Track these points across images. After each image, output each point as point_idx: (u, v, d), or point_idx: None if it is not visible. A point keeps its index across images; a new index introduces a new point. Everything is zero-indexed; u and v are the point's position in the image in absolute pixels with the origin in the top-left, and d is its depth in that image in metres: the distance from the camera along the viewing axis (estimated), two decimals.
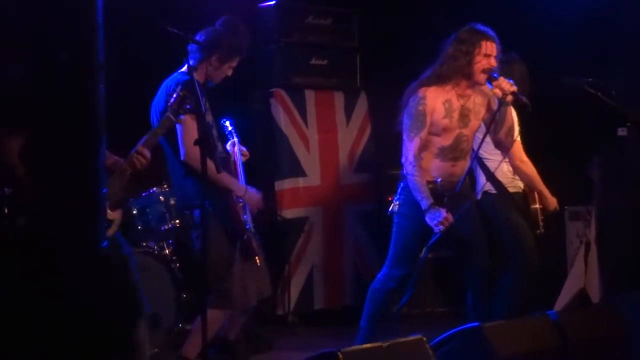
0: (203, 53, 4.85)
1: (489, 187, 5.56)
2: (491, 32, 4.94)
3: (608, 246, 5.33)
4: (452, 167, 5.00)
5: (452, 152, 4.98)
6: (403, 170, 5.02)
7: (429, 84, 4.96)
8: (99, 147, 2.96)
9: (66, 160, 2.88)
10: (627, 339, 4.06)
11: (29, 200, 2.89)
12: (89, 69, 2.88)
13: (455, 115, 4.95)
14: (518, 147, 5.46)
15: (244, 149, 5.21)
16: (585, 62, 6.27)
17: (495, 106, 4.99)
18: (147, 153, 4.32)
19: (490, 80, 4.87)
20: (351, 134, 7.07)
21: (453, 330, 3.76)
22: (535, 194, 5.56)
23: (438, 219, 4.79)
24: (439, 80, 4.96)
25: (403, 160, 4.98)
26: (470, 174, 5.74)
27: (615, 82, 5.66)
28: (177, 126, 4.65)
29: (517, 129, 5.48)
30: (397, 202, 5.09)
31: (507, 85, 4.81)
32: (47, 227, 2.88)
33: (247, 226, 4.88)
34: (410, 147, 4.93)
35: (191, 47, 4.84)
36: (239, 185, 4.90)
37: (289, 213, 6.71)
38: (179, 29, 4.43)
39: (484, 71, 4.89)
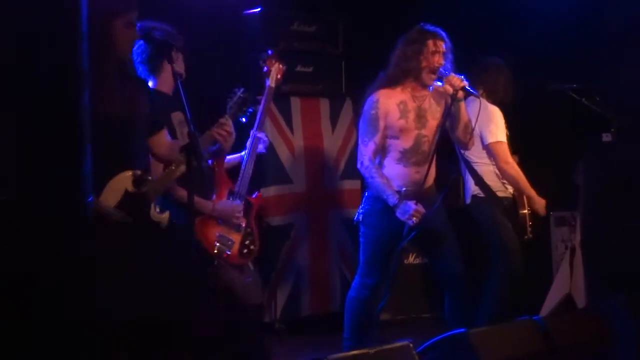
0: (154, 64, 4.67)
1: (477, 191, 5.57)
2: (439, 31, 4.95)
3: (593, 251, 5.35)
4: (416, 174, 4.96)
5: (414, 155, 4.95)
6: (364, 177, 5.00)
7: (382, 86, 4.97)
8: (83, 155, 2.95)
9: (49, 168, 2.87)
10: (613, 344, 4.07)
11: (10, 208, 2.88)
12: (73, 76, 2.87)
13: (411, 115, 4.93)
14: (503, 149, 5.47)
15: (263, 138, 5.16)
16: (570, 66, 6.29)
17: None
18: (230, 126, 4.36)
19: (440, 77, 4.85)
20: (337, 140, 7.08)
21: (439, 337, 3.77)
22: (524, 198, 5.57)
23: (409, 211, 4.77)
24: (392, 82, 4.96)
25: (359, 165, 4.96)
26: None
27: (599, 87, 5.69)
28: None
29: (503, 130, 5.51)
30: (362, 212, 5.07)
31: (457, 81, 4.79)
32: (29, 236, 2.87)
33: (218, 250, 4.73)
34: (365, 152, 4.92)
35: (141, 58, 4.68)
36: (204, 203, 4.72)
37: (275, 220, 6.70)
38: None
39: (431, 70, 4.88)
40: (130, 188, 3.89)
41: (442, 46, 4.90)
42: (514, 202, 5.58)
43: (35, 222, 2.86)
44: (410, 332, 5.08)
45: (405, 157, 4.95)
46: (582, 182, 5.36)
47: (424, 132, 4.96)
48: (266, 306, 6.56)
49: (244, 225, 4.85)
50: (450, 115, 4.91)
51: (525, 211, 5.58)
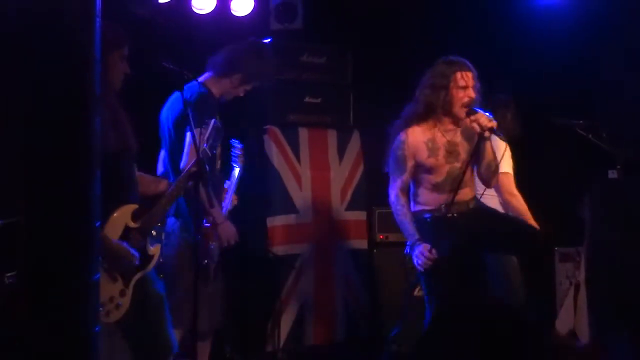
0: (227, 68, 4.90)
1: None
2: (466, 62, 4.83)
3: (598, 287, 5.34)
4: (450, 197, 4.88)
5: (447, 185, 4.87)
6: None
7: (409, 124, 4.87)
8: (93, 180, 2.98)
9: (59, 192, 2.90)
10: None
11: (21, 232, 2.90)
12: (85, 100, 2.91)
13: (441, 152, 4.85)
14: (509, 180, 5.45)
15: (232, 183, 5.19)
16: (576, 102, 6.32)
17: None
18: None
19: (469, 113, 4.74)
20: (344, 171, 7.10)
21: None
22: None
23: (419, 256, 4.74)
24: (420, 119, 4.86)
25: (388, 200, 4.94)
26: None
27: (605, 123, 5.71)
28: (190, 134, 4.54)
29: (509, 162, 5.48)
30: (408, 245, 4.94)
31: (485, 120, 4.69)
32: (39, 260, 2.89)
33: (209, 253, 4.84)
34: (393, 187, 4.90)
35: (216, 59, 4.92)
36: (219, 212, 4.89)
37: (280, 250, 6.71)
38: (175, 64, 4.48)
39: (463, 105, 4.78)
40: (130, 223, 3.97)
41: (471, 78, 4.79)
42: None
43: (43, 246, 2.89)
44: None
45: (438, 188, 4.88)
46: (587, 218, 5.36)
47: (456, 164, 4.88)
48: (270, 335, 6.55)
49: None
50: (478, 152, 4.82)
51: None
